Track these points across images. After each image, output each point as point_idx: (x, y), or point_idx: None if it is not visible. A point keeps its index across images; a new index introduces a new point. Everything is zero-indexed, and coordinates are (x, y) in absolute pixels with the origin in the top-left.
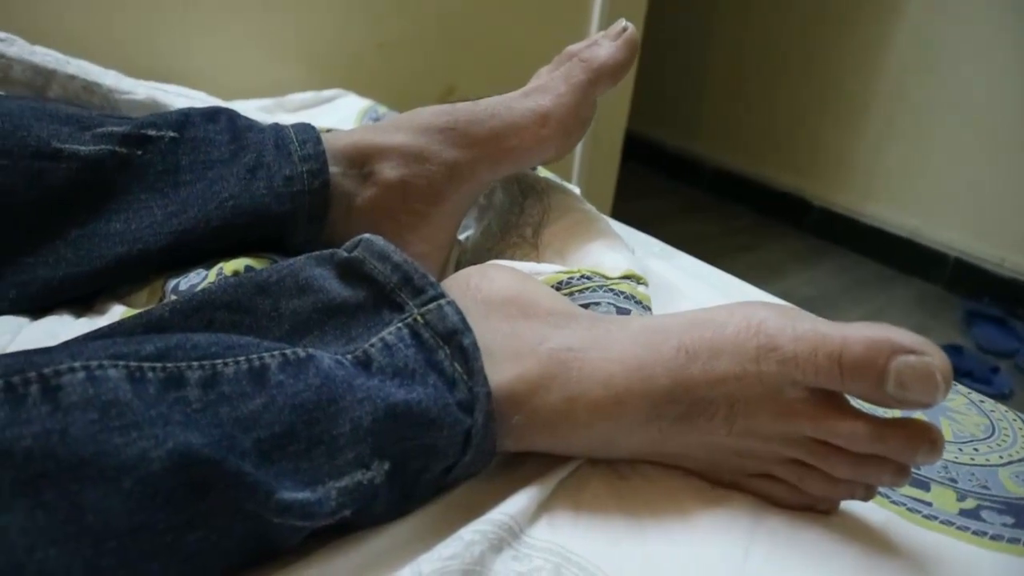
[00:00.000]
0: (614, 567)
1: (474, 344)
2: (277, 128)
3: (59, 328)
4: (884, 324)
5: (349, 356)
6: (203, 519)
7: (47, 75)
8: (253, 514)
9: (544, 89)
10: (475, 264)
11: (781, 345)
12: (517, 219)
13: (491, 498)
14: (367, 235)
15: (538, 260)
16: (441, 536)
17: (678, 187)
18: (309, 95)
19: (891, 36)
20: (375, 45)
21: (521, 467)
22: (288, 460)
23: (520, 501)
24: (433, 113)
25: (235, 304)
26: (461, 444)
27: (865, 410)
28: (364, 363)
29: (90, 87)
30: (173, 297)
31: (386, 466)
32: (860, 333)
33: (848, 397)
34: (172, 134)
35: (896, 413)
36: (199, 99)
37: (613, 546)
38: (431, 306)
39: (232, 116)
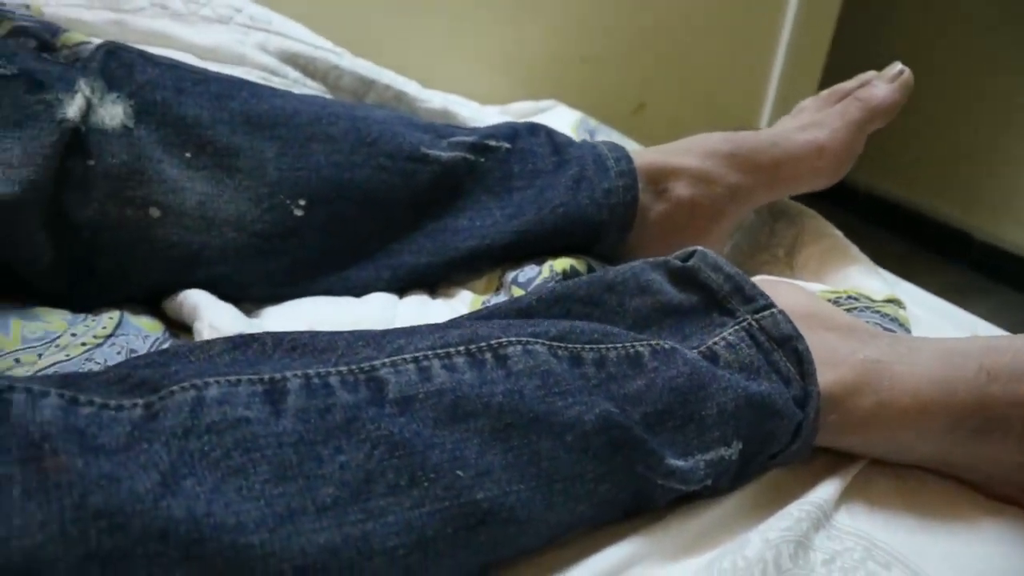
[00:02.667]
0: (917, 557)
1: (807, 349)
2: (592, 145)
3: (424, 307)
4: None
5: (695, 351)
6: (613, 474)
7: (368, 84)
8: (642, 475)
9: (820, 124)
10: None
11: None
12: (768, 240)
13: (794, 484)
14: (700, 248)
15: (793, 279)
16: (763, 511)
17: (829, 209)
18: (528, 105)
19: None
20: (579, 59)
21: (813, 461)
22: (666, 433)
23: (827, 490)
24: (719, 139)
25: (588, 299)
26: (791, 435)
27: None
28: (711, 358)
29: (399, 95)
30: (513, 287)
31: (740, 446)
32: None
33: None
34: (507, 145)
35: None
36: (474, 107)
37: (910, 538)
38: (765, 313)
39: (549, 131)
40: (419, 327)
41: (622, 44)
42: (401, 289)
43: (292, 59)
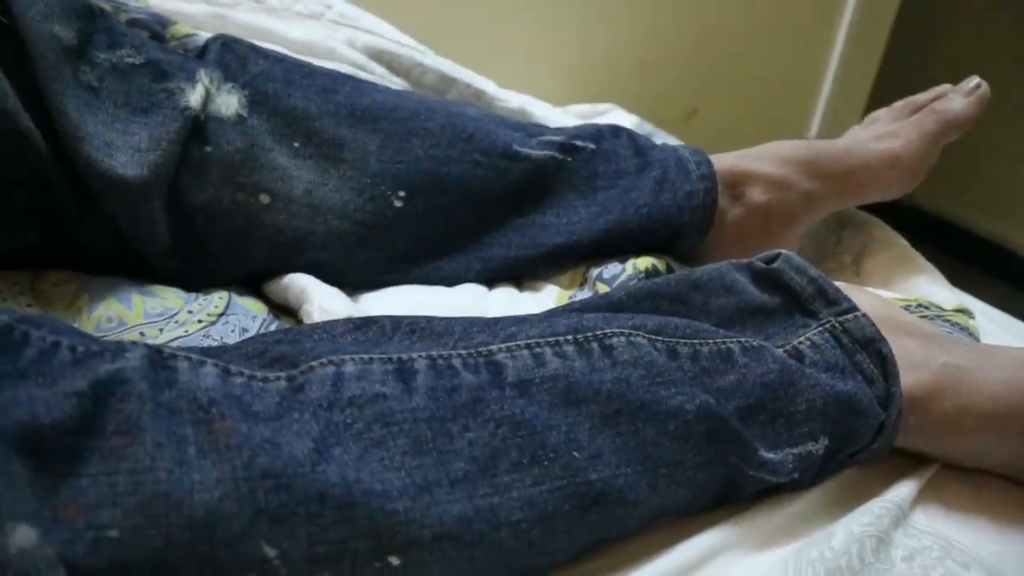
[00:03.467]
0: (996, 559)
1: (891, 352)
2: (672, 148)
3: (513, 299)
4: None
5: (780, 350)
6: (709, 463)
7: (449, 82)
8: (734, 465)
9: (895, 134)
10: None
11: None
12: (834, 247)
13: (871, 483)
14: (783, 251)
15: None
16: (844, 506)
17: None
18: (587, 107)
19: None
20: (636, 63)
21: (888, 462)
22: (757, 427)
23: (904, 490)
24: (795, 147)
25: (676, 296)
26: (873, 434)
27: None
28: (797, 357)
29: (478, 93)
30: (598, 283)
31: (825, 442)
32: None
33: None
34: (592, 145)
35: None
36: (547, 108)
37: (986, 540)
38: (848, 316)
39: (631, 134)
40: (526, 316)
41: (677, 50)
42: (490, 281)
43: (378, 55)
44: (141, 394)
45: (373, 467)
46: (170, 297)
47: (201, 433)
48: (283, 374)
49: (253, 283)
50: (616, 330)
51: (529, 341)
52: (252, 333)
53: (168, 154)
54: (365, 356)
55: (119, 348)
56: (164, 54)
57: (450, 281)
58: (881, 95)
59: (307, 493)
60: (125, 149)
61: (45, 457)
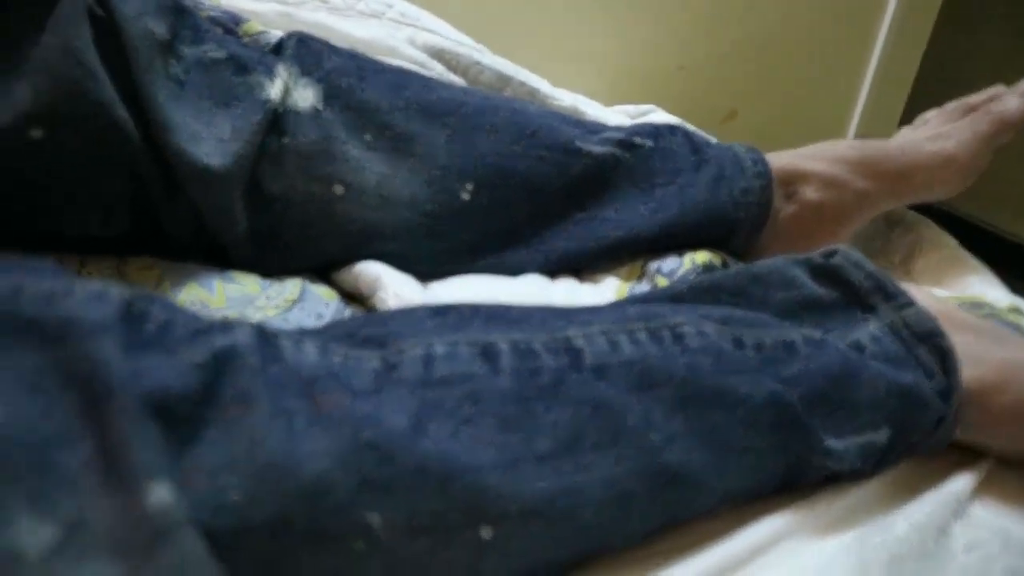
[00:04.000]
0: None
1: (951, 346)
2: (728, 146)
3: (575, 290)
4: None
5: (841, 343)
6: (775, 450)
7: (505, 80)
8: (799, 453)
9: (948, 135)
10: None
11: None
12: (883, 246)
13: (929, 474)
14: (841, 246)
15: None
16: (904, 496)
17: None
18: (630, 108)
19: None
20: (675, 67)
21: (944, 454)
22: (821, 416)
23: (962, 482)
24: (849, 146)
25: (735, 289)
26: (932, 426)
27: None
28: (857, 350)
29: (532, 92)
30: (657, 276)
31: (888, 432)
32: None
33: None
34: (650, 143)
35: None
36: (597, 107)
37: None
38: (908, 311)
39: (686, 132)
40: (598, 306)
41: (716, 52)
42: (551, 272)
43: (438, 54)
44: (253, 367)
45: (465, 443)
46: (248, 283)
47: (308, 406)
48: (375, 354)
49: (321, 271)
50: (685, 319)
51: (604, 328)
52: (326, 319)
53: (250, 145)
54: (451, 339)
55: (229, 325)
56: (244, 49)
57: (512, 272)
58: (919, 98)
59: (408, 465)
60: (209, 139)
61: (171, 424)
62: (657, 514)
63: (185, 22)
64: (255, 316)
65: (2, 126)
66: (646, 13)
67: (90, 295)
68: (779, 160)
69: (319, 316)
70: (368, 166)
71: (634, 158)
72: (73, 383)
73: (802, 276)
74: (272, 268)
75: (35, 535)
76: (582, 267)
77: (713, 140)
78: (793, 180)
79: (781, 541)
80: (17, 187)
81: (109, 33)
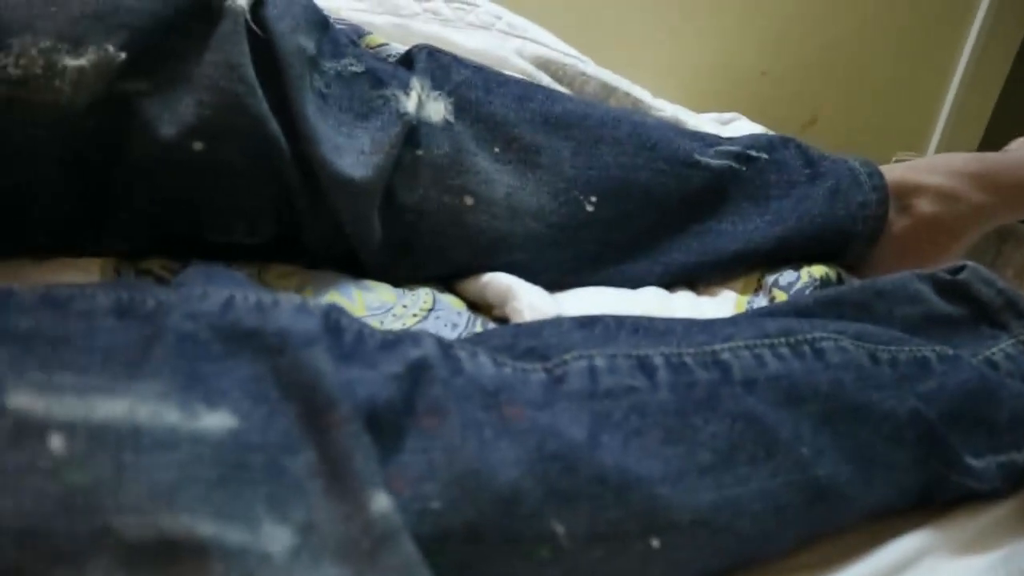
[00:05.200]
0: None
1: None
2: (843, 159)
3: (695, 303)
4: None
5: (974, 360)
6: (916, 466)
7: (610, 91)
8: (938, 470)
9: None
10: None
11: None
12: (992, 259)
13: None
14: (970, 263)
15: None
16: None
17: None
18: (713, 116)
19: None
20: (759, 73)
21: None
22: (960, 433)
23: None
24: (965, 160)
25: (860, 304)
26: None
27: None
28: (991, 367)
29: (636, 102)
30: (774, 289)
31: None
32: None
33: None
34: (765, 156)
35: None
36: (695, 116)
37: None
38: None
39: (799, 144)
40: (734, 319)
41: (798, 58)
42: (667, 284)
43: (544, 65)
44: (444, 379)
45: (636, 455)
46: (383, 291)
47: (493, 417)
48: (539, 365)
49: (445, 279)
50: (823, 334)
51: (747, 343)
52: (460, 328)
53: (388, 157)
54: (608, 352)
55: (415, 336)
56: (379, 63)
57: (631, 283)
58: (1007, 107)
59: (589, 475)
60: (351, 151)
61: (377, 433)
62: (806, 526)
63: (327, 36)
64: (395, 324)
65: (167, 138)
66: (729, 19)
67: (294, 307)
68: (894, 173)
69: (454, 326)
70: (497, 178)
71: (750, 171)
72: (293, 393)
73: (927, 291)
74: (402, 276)
75: (276, 538)
76: (698, 279)
77: (826, 153)
78: (908, 193)
79: (924, 558)
80: (174, 196)
81: (264, 49)
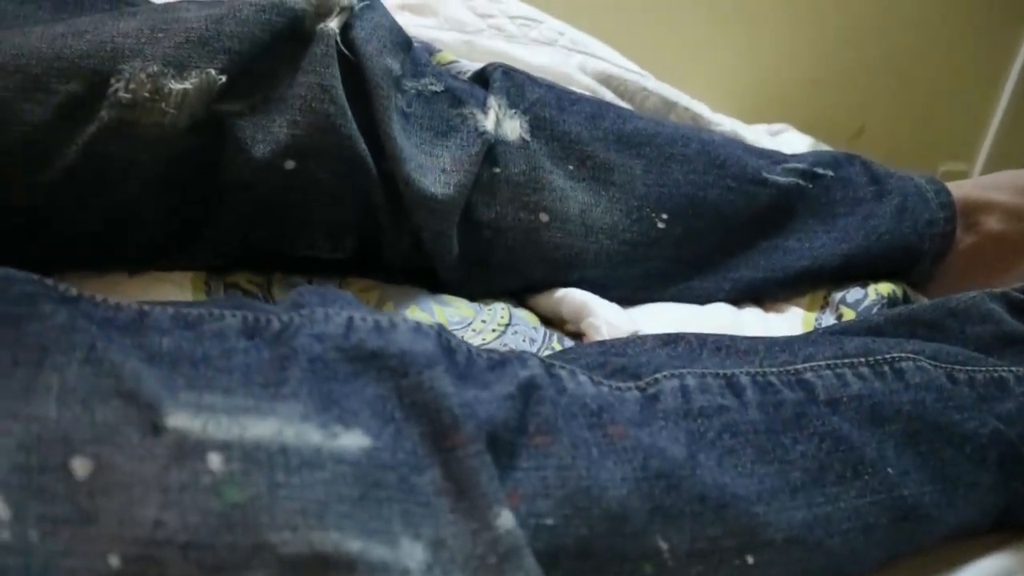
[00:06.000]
0: None
1: None
2: (909, 176)
3: (764, 320)
4: None
5: None
6: (997, 486)
7: (670, 106)
8: (1016, 490)
9: None
10: None
11: None
12: None
13: None
14: None
15: None
16: None
17: None
18: (762, 127)
19: None
20: (810, 82)
21: None
22: None
23: None
24: None
25: (932, 323)
26: None
27: None
28: None
29: (695, 117)
30: (841, 307)
31: None
32: None
33: None
34: (830, 173)
35: None
36: (754, 130)
37: None
38: None
39: (864, 161)
40: (813, 338)
41: (846, 68)
42: (734, 300)
43: (606, 80)
44: (552, 399)
45: (731, 473)
46: (461, 306)
47: (597, 436)
48: (631, 384)
49: (517, 294)
50: (901, 354)
51: (827, 362)
52: (539, 343)
53: (469, 175)
54: (698, 371)
55: (520, 356)
56: (456, 82)
57: (699, 299)
58: None
59: (691, 493)
60: (433, 169)
61: (494, 452)
62: (892, 546)
63: (409, 56)
64: (475, 340)
65: (260, 157)
66: (778, 27)
67: (411, 328)
68: (960, 190)
69: (532, 341)
70: (571, 195)
71: (816, 188)
72: (417, 413)
73: (1000, 311)
74: (476, 291)
75: (413, 554)
76: (764, 295)
77: (892, 170)
78: (974, 210)
79: None
80: (264, 212)
81: (353, 70)
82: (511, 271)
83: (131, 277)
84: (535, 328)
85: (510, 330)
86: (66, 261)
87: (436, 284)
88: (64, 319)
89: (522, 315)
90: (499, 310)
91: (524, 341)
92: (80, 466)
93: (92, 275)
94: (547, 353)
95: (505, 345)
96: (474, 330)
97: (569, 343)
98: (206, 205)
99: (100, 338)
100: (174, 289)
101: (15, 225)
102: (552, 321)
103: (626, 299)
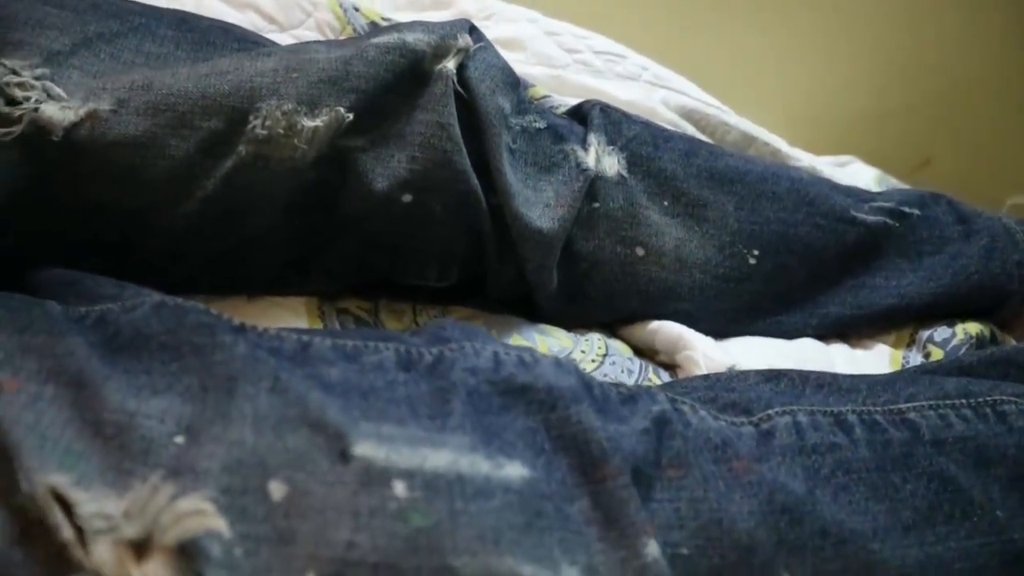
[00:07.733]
0: None
1: None
2: (997, 217)
3: (852, 357)
4: None
5: None
6: None
7: (750, 140)
8: None
9: None
10: None
11: None
12: None
13: None
14: None
15: None
16: None
17: None
18: (829, 159)
19: None
20: (871, 112)
21: None
22: None
23: None
24: None
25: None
26: None
27: None
28: None
29: (774, 152)
30: (929, 345)
31: None
32: None
33: None
34: (917, 212)
35: None
36: (830, 165)
37: None
38: None
39: (949, 200)
40: (911, 378)
41: (912, 99)
42: (821, 336)
43: (688, 115)
44: (683, 433)
45: (847, 509)
46: (560, 336)
47: (723, 470)
48: (744, 419)
49: (609, 325)
50: (1002, 397)
51: (929, 403)
52: (636, 374)
53: (572, 209)
54: (807, 407)
55: (647, 391)
56: (557, 119)
57: (787, 335)
58: None
59: (813, 528)
60: (537, 204)
61: (635, 484)
62: None
63: (516, 94)
64: None
65: (379, 191)
66: (841, 59)
67: (552, 363)
68: None
69: (629, 372)
70: (667, 230)
71: (902, 227)
72: (564, 445)
73: None
74: (571, 321)
75: None
76: (850, 331)
77: (979, 210)
78: None
79: None
80: (379, 242)
81: (466, 108)
82: (607, 303)
83: (249, 301)
84: (630, 359)
85: (608, 360)
86: (193, 286)
87: (533, 313)
88: (245, 349)
89: (617, 346)
90: (596, 340)
91: (622, 372)
92: (276, 489)
93: (215, 298)
94: (645, 383)
95: (605, 376)
96: (574, 360)
97: (664, 374)
98: (325, 234)
99: (281, 368)
100: (289, 314)
101: (155, 251)
102: (644, 352)
103: (716, 332)
